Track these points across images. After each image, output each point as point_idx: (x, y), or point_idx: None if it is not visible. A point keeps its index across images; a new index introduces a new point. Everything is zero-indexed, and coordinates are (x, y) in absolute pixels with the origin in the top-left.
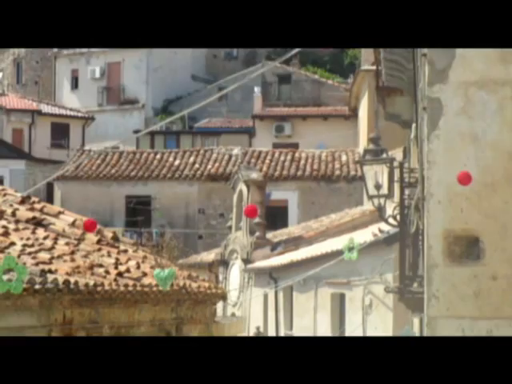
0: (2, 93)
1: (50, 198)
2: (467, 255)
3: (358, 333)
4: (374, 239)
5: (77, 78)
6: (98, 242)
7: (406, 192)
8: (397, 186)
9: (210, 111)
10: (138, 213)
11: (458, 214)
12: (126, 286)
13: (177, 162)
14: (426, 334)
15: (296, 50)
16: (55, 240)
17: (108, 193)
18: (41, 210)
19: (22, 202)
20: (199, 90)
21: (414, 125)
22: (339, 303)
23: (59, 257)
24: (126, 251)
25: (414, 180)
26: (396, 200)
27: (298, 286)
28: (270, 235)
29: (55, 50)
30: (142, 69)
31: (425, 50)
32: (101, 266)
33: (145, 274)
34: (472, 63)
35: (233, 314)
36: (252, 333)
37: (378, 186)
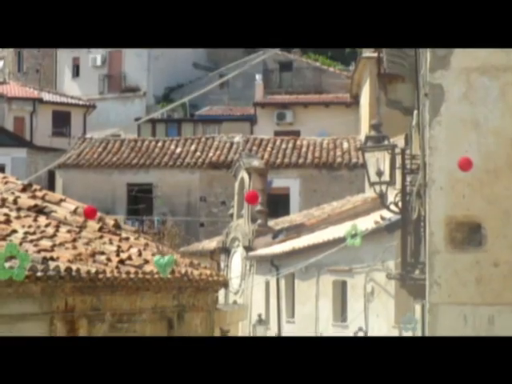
0: (4, 81)
1: (51, 186)
2: (469, 241)
3: (360, 320)
4: (375, 226)
5: (78, 65)
6: (100, 229)
7: (408, 179)
8: (398, 173)
9: (211, 99)
10: (140, 201)
11: (460, 200)
12: (128, 273)
13: (178, 150)
14: (427, 320)
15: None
16: (57, 228)
17: (109, 181)
18: (42, 198)
19: (24, 189)
20: (200, 78)
21: (415, 111)
22: (341, 290)
23: (61, 244)
24: (127, 239)
25: (415, 166)
26: (398, 187)
27: (300, 273)
28: (271, 223)
29: None
30: (143, 56)
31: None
32: (102, 253)
33: (146, 262)
34: (474, 49)
35: (234, 302)
36: (254, 320)
37: (379, 173)
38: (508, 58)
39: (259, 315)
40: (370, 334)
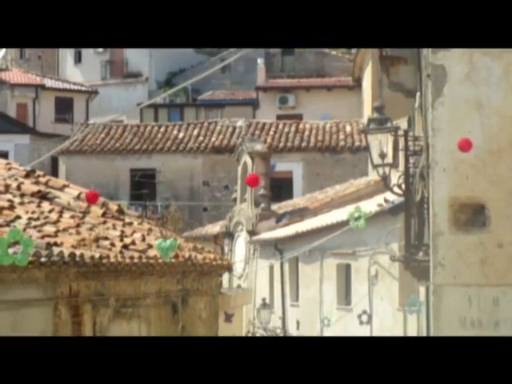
0: (6, 68)
1: (54, 173)
2: (473, 223)
3: (364, 303)
4: (379, 209)
5: (80, 51)
6: (103, 214)
7: (411, 160)
8: (401, 155)
9: (213, 83)
10: (143, 186)
11: (464, 181)
12: (132, 258)
13: (181, 135)
14: (432, 301)
15: None
16: (60, 213)
17: (112, 166)
18: (46, 184)
19: (27, 175)
20: (202, 63)
21: (418, 93)
22: (345, 274)
23: (64, 230)
24: (131, 224)
25: (418, 148)
26: (401, 169)
27: (304, 257)
28: (274, 207)
29: None
30: None
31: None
32: (106, 238)
33: (150, 246)
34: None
35: (239, 286)
36: (258, 304)
37: (382, 155)
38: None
39: (263, 299)
40: (374, 316)
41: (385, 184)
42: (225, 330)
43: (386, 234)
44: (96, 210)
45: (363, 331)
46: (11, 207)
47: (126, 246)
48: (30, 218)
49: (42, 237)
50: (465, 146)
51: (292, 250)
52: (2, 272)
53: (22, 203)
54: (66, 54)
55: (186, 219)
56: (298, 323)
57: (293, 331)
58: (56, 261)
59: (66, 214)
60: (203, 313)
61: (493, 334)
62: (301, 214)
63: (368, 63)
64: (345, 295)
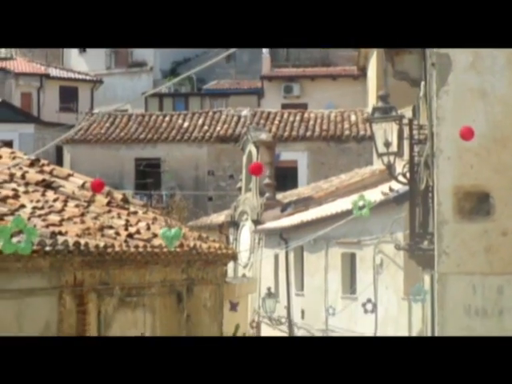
0: (11, 57)
1: (59, 162)
2: (477, 211)
3: (369, 292)
4: (383, 198)
5: None
6: (108, 203)
7: (416, 149)
8: (406, 144)
9: (218, 73)
10: (148, 175)
11: (468, 169)
12: (137, 247)
13: (186, 124)
14: (436, 290)
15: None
16: (65, 202)
17: (117, 156)
18: (50, 173)
19: (32, 164)
20: (207, 52)
21: (423, 82)
22: (350, 263)
23: (69, 219)
24: (135, 213)
25: (423, 137)
26: (405, 157)
27: (309, 246)
28: (279, 196)
29: None
30: None
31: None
32: (111, 227)
33: (155, 236)
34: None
35: (243, 275)
36: (263, 293)
37: (387, 144)
38: None
39: (268, 288)
40: (379, 305)
41: (389, 173)
42: (230, 319)
43: (390, 223)
44: (101, 199)
45: (368, 320)
46: (16, 196)
47: (130, 235)
48: (34, 207)
49: (47, 226)
50: (467, 134)
51: (297, 239)
52: (6, 261)
53: (26, 192)
54: None
55: (191, 208)
56: (302, 312)
57: (298, 320)
58: (61, 250)
59: (71, 203)
60: (208, 302)
61: (497, 322)
62: (306, 203)
63: (373, 52)
64: (350, 284)
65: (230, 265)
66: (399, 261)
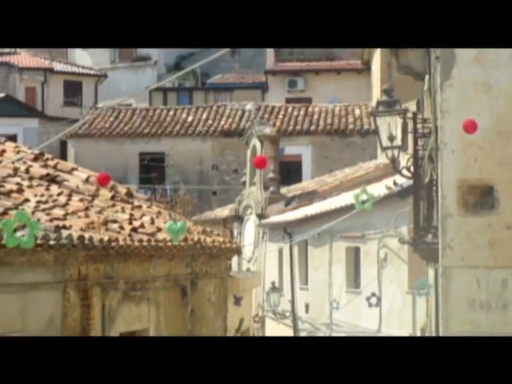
0: (15, 51)
1: (63, 156)
2: (481, 205)
3: (373, 286)
4: (387, 192)
5: None
6: (112, 198)
7: (420, 143)
8: (410, 137)
9: (222, 67)
10: (152, 170)
11: (472, 163)
12: (141, 241)
13: (190, 119)
14: (440, 283)
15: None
16: (69, 196)
17: (121, 150)
18: (54, 167)
19: (36, 158)
20: None
21: (427, 76)
22: (354, 257)
23: (73, 213)
24: (140, 207)
25: (427, 130)
26: (410, 151)
27: (313, 240)
28: (284, 190)
29: None
30: None
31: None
32: (115, 221)
33: (159, 230)
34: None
35: (248, 270)
36: (267, 287)
37: (391, 138)
38: None
39: (272, 282)
40: (384, 299)
41: (393, 167)
42: (234, 313)
43: (394, 217)
44: (105, 194)
45: (372, 314)
46: (20, 190)
47: (134, 229)
48: (38, 202)
49: (51, 220)
50: (470, 127)
51: (301, 233)
52: (10, 255)
53: (30, 186)
54: None
55: (195, 203)
56: (307, 306)
57: (302, 314)
58: (65, 244)
59: (75, 197)
60: (212, 296)
61: (501, 315)
62: (310, 197)
63: None
64: (354, 278)
65: (235, 259)
66: (403, 255)
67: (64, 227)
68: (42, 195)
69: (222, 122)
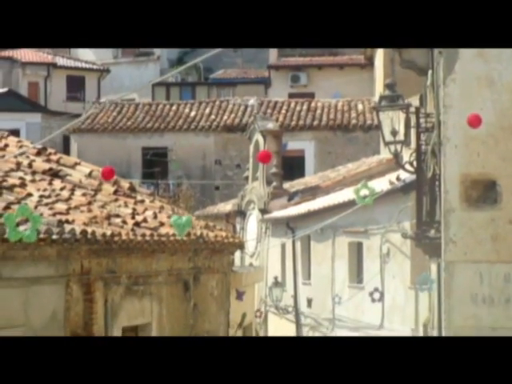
0: None
1: (66, 151)
2: (484, 199)
3: (376, 281)
4: (390, 188)
5: None
6: (115, 192)
7: (423, 138)
8: (413, 132)
9: (225, 62)
10: (155, 164)
11: (475, 158)
12: (143, 235)
13: (193, 114)
14: (443, 278)
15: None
16: (72, 191)
17: (124, 145)
18: (57, 162)
19: (39, 153)
20: None
21: (430, 71)
22: (357, 252)
23: (76, 207)
24: (142, 201)
25: (430, 125)
26: (412, 146)
27: (316, 235)
28: (286, 185)
29: None
30: None
31: None
32: (118, 216)
33: (162, 224)
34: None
35: (250, 264)
36: (270, 282)
37: (394, 133)
38: None
39: (275, 277)
40: (386, 294)
41: (396, 162)
42: (236, 308)
43: (397, 212)
44: (108, 188)
45: (375, 309)
46: (23, 185)
47: (137, 224)
48: (41, 196)
49: (54, 214)
50: (474, 121)
51: (304, 228)
52: (13, 249)
53: (33, 181)
54: None
55: (198, 197)
56: (309, 301)
57: (304, 309)
58: (67, 238)
59: (78, 192)
60: (215, 290)
61: (504, 310)
62: (313, 192)
63: None
64: (357, 273)
65: (237, 254)
66: (406, 250)
67: (67, 221)
68: (45, 190)
69: (225, 117)
